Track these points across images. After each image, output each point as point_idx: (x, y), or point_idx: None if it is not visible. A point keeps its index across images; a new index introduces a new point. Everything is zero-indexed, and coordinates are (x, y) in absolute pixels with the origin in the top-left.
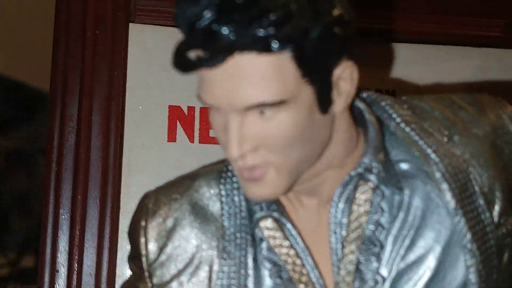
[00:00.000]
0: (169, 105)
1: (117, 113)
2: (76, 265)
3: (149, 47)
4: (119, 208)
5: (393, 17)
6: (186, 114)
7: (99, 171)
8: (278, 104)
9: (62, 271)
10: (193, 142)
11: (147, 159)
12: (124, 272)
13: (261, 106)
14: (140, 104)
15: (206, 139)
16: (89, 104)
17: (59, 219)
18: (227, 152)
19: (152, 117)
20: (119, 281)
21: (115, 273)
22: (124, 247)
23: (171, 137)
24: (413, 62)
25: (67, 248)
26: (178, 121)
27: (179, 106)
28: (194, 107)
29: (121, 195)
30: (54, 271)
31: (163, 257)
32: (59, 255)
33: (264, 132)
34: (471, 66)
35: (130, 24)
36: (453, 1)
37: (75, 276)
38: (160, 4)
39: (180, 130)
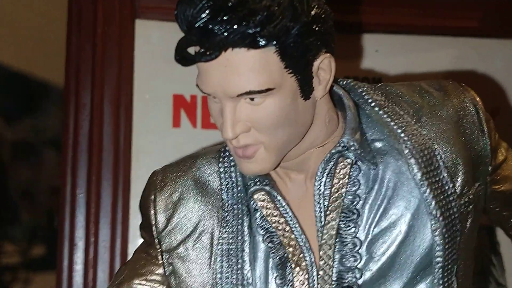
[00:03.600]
0: (173, 94)
1: (126, 102)
2: (93, 239)
3: (154, 41)
4: (129, 187)
5: (373, 10)
6: (189, 102)
7: (111, 155)
8: (265, 92)
9: (80, 244)
10: (195, 127)
11: (154, 143)
12: (135, 245)
13: (250, 94)
14: (147, 93)
15: (207, 124)
16: (101, 94)
17: (75, 198)
18: (223, 134)
19: (158, 105)
20: (130, 254)
21: (127, 246)
22: (135, 223)
23: (176, 123)
24: (394, 52)
25: (84, 224)
26: (181, 109)
27: (182, 95)
28: (196, 96)
29: (131, 176)
30: (72, 245)
31: (170, 226)
32: (77, 231)
33: (254, 115)
34: (448, 55)
35: (136, 21)
36: None
37: (92, 249)
38: (162, 2)
39: (183, 116)
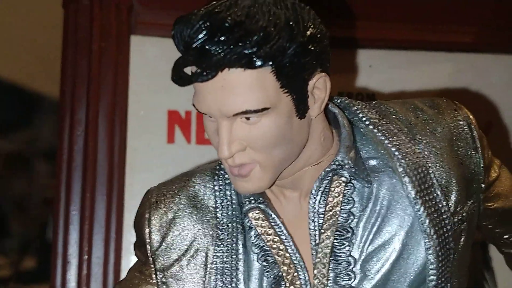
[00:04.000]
0: (168, 110)
1: (121, 117)
2: (86, 256)
3: (149, 57)
4: (123, 203)
5: (367, 25)
6: (184, 118)
7: (106, 171)
8: (261, 111)
9: (73, 262)
10: (190, 143)
11: (149, 159)
12: (129, 261)
13: (246, 113)
14: (142, 109)
15: (202, 140)
16: (96, 110)
17: (69, 214)
18: (219, 153)
19: (152, 121)
20: (124, 271)
21: (120, 263)
22: (128, 240)
23: (170, 139)
24: (388, 67)
25: (77, 240)
26: (176, 125)
27: (177, 111)
28: (191, 112)
29: (125, 192)
30: (65, 262)
31: (164, 245)
32: (70, 248)
33: (250, 135)
34: (444, 70)
35: (132, 36)
36: (428, 9)
37: (85, 266)
38: (158, 18)
39: (178, 132)
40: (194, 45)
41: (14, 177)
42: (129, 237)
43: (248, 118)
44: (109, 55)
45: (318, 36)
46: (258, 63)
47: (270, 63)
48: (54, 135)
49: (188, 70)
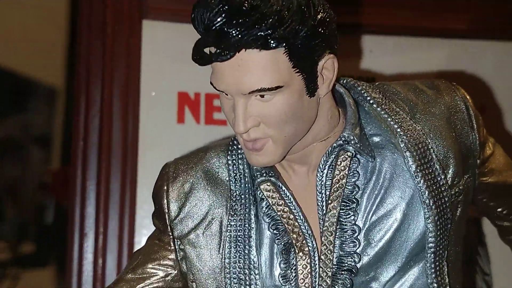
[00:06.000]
0: (178, 91)
1: (134, 99)
2: (102, 228)
3: (160, 41)
4: (136, 180)
5: (368, 11)
6: (193, 99)
7: (120, 149)
8: (275, 89)
9: (90, 234)
10: (199, 123)
11: (160, 138)
12: (142, 234)
13: (261, 91)
14: (153, 90)
15: (210, 120)
16: (110, 92)
17: (86, 189)
18: (235, 128)
19: (163, 102)
20: (138, 243)
21: (134, 236)
22: (141, 214)
23: (180, 119)
24: (388, 53)
25: (94, 214)
26: (186, 105)
27: (187, 93)
28: (200, 93)
29: (138, 169)
30: (83, 234)
31: (182, 215)
32: (86, 220)
33: (264, 111)
34: (439, 55)
35: (144, 21)
36: None
37: (101, 238)
38: (169, 4)
39: (188, 113)
40: (213, 28)
41: (7, 163)
42: (142, 212)
43: (262, 96)
44: (121, 39)
45: (327, 20)
46: (273, 44)
47: (284, 44)
48: (47, 121)
49: (207, 51)
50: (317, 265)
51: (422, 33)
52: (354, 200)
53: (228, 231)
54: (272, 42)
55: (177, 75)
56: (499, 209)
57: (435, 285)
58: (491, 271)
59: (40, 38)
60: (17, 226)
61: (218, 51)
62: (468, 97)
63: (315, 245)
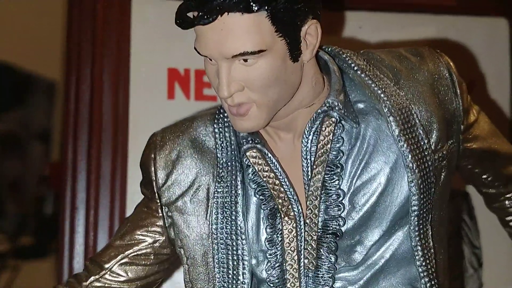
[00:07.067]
0: (167, 68)
1: (124, 75)
2: (93, 202)
3: (150, 18)
4: (127, 155)
5: None
6: (183, 75)
7: (110, 124)
8: (258, 53)
9: (81, 208)
10: (189, 99)
11: (150, 114)
12: (132, 208)
13: (244, 55)
14: (143, 67)
15: (200, 96)
16: (100, 68)
17: (77, 163)
18: (219, 93)
19: (153, 78)
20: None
21: (125, 210)
22: (132, 189)
23: (170, 95)
24: (377, 29)
25: (85, 188)
26: (176, 82)
27: (177, 69)
28: (189, 69)
29: (129, 145)
30: (74, 209)
31: (169, 182)
32: (78, 195)
33: (248, 75)
34: (428, 31)
35: None
36: None
37: (92, 212)
38: None
39: (178, 89)
40: None
41: (7, 158)
42: (133, 187)
43: (246, 60)
44: (112, 15)
45: None
46: (255, 7)
47: (266, 8)
48: (47, 116)
49: (190, 15)
50: (302, 229)
51: (412, 9)
52: (338, 165)
53: (215, 197)
54: (254, 5)
55: (167, 52)
56: (484, 176)
57: (419, 247)
58: (480, 244)
59: (39, 33)
60: (17, 220)
61: (201, 14)
62: (451, 63)
63: (300, 210)
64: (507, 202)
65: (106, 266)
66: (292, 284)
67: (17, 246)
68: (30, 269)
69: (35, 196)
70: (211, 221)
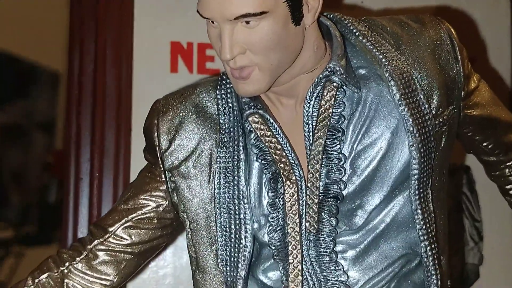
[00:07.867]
0: (170, 41)
1: (127, 48)
2: (97, 174)
3: None
4: (131, 127)
5: None
6: (186, 48)
7: (114, 97)
8: (260, 15)
9: (85, 178)
10: (192, 72)
11: (153, 87)
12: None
13: (246, 16)
14: (146, 41)
15: (203, 70)
16: (104, 42)
17: (81, 137)
18: (221, 56)
19: (156, 52)
20: None
21: (129, 182)
22: (136, 161)
23: (173, 69)
24: (380, 2)
25: (89, 159)
26: (179, 55)
27: (179, 42)
28: (192, 43)
29: (132, 117)
30: (78, 179)
31: (172, 147)
32: (82, 166)
33: (250, 38)
34: (432, 6)
35: None
36: None
37: (96, 183)
38: None
39: (180, 62)
40: None
41: (11, 148)
42: (137, 159)
43: (248, 22)
44: None
45: None
46: None
47: None
48: (50, 106)
49: None
50: (304, 193)
51: None
52: (340, 129)
53: (218, 162)
54: None
55: (170, 25)
56: (484, 144)
57: (419, 211)
58: (481, 218)
59: (42, 24)
60: (21, 208)
61: None
62: (452, 30)
63: (302, 174)
64: (507, 170)
65: (110, 229)
66: (294, 247)
67: (22, 234)
68: (34, 256)
69: (39, 185)
70: (214, 186)
